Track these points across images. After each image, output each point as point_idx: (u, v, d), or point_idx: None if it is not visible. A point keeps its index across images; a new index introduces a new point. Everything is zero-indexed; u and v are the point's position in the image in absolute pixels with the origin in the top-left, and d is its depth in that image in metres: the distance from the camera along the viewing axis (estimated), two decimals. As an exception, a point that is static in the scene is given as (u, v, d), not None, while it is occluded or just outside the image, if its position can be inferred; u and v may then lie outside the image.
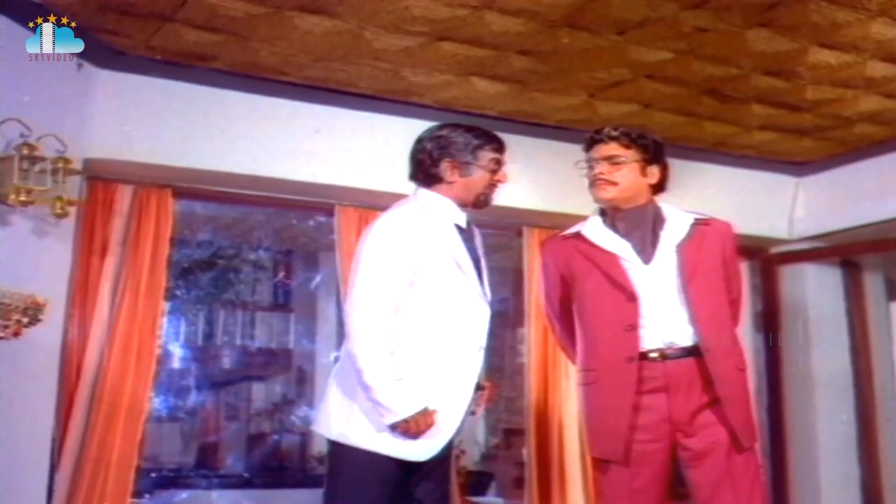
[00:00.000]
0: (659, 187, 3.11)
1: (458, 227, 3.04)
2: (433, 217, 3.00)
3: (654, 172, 3.07)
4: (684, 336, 2.91)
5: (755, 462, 2.95)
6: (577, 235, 3.10)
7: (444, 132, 3.09)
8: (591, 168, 3.09)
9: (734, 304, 3.10)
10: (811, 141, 5.79)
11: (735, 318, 3.09)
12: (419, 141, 3.10)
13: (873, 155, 5.84)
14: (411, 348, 2.90)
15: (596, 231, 3.07)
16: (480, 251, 3.12)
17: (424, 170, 3.07)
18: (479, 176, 3.06)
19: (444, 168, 3.04)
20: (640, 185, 3.05)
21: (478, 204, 3.09)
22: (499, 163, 3.10)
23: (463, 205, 3.08)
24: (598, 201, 3.09)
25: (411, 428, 2.84)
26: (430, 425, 2.86)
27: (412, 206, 3.03)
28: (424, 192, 3.07)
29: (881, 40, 4.31)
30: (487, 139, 3.10)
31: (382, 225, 2.97)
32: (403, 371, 2.85)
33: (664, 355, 2.90)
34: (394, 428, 2.84)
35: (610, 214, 3.08)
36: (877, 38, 4.29)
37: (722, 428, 2.86)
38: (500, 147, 3.12)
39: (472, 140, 3.07)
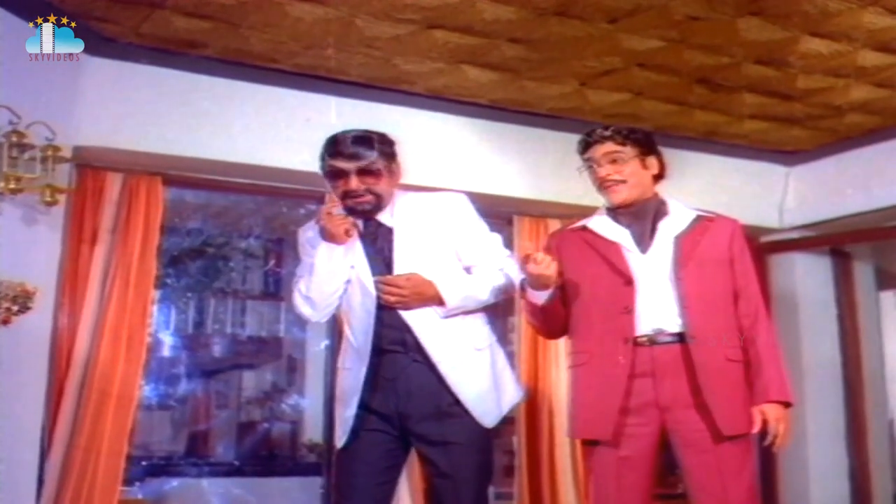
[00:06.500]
0: (659, 177, 3.14)
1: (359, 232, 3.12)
2: None
3: (653, 163, 3.10)
4: (673, 323, 2.94)
5: (744, 451, 2.95)
6: (584, 228, 3.15)
7: None
8: (593, 170, 3.09)
9: (743, 298, 3.02)
10: (802, 130, 5.80)
11: (750, 316, 3.00)
12: None
13: (864, 144, 5.86)
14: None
15: (600, 223, 3.11)
16: (392, 245, 3.08)
17: None
18: (332, 188, 3.11)
19: None
20: (644, 178, 3.08)
21: (354, 213, 3.08)
22: (332, 169, 3.05)
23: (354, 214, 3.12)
24: (612, 205, 3.10)
25: (331, 228, 3.01)
26: (340, 220, 3.01)
27: None
28: None
29: (872, 29, 4.32)
30: (323, 147, 3.08)
31: None
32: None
33: (653, 341, 2.94)
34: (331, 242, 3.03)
35: (615, 209, 3.10)
36: (868, 28, 4.30)
37: (706, 415, 2.88)
38: (331, 152, 3.05)
39: (321, 154, 3.11)
